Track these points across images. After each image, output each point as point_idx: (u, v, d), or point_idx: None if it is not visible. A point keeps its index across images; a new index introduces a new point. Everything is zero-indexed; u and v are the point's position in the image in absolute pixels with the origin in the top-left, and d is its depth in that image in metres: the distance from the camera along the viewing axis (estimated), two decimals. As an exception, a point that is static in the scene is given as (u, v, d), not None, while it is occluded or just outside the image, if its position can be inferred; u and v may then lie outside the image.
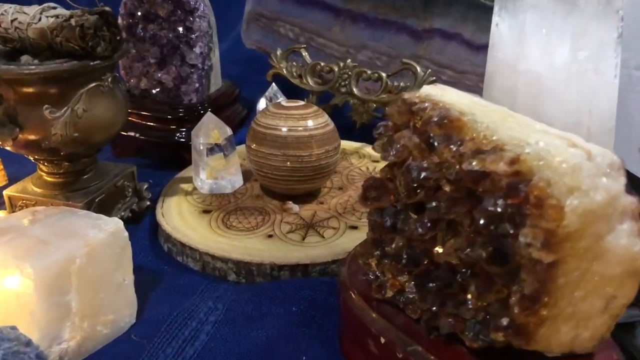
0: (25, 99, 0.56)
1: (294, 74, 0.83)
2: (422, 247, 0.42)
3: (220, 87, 0.90)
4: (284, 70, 0.83)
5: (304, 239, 0.61)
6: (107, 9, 0.55)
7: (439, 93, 0.43)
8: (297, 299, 0.54)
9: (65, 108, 0.56)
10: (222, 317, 0.54)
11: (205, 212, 0.67)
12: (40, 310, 0.47)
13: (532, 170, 0.35)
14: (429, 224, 0.41)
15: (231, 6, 1.06)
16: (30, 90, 0.55)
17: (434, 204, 0.40)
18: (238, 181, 0.71)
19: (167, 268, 0.62)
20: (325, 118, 0.67)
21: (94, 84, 0.58)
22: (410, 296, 0.43)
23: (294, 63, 0.83)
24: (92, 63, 0.56)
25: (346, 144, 0.81)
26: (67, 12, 0.57)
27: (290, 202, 0.66)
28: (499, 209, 0.35)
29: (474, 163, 0.36)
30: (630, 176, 0.38)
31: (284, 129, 0.64)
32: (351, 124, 0.84)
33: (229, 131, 0.69)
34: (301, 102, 0.67)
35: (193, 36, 0.80)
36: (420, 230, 0.41)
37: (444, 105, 0.41)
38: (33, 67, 0.54)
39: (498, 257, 0.36)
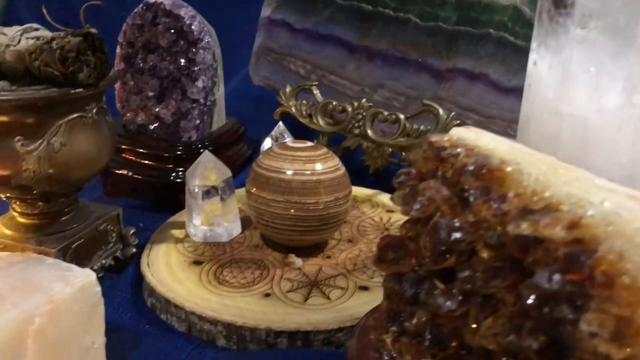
0: (-5, 128, 0.49)
1: (304, 112, 0.76)
2: (451, 325, 0.34)
3: (223, 125, 0.83)
4: (292, 108, 0.77)
5: (306, 299, 0.53)
6: (92, 30, 0.49)
7: (472, 136, 0.36)
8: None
9: (40, 141, 0.49)
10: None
11: (196, 263, 0.59)
12: (-14, 381, 0.39)
13: (598, 238, 0.27)
14: (460, 298, 0.33)
15: (242, 41, 1.01)
16: (2, 119, 0.49)
17: (467, 273, 0.32)
18: (236, 229, 0.64)
19: (149, 327, 0.54)
20: (335, 161, 0.59)
21: (75, 115, 0.51)
22: (434, 386, 0.35)
23: (304, 101, 0.77)
24: (73, 91, 0.49)
25: (358, 191, 0.74)
26: (49, 34, 0.51)
27: (293, 256, 0.59)
28: (554, 286, 0.27)
29: (523, 226, 0.28)
30: None
31: (289, 172, 0.57)
32: (364, 169, 0.77)
33: (227, 172, 0.62)
34: (309, 143, 0.60)
35: (196, 69, 0.74)
36: (448, 304, 0.33)
37: (481, 151, 0.33)
38: (6, 93, 0.48)
39: (553, 349, 0.28)
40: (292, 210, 0.57)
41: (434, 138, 0.35)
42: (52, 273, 0.45)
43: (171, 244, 0.62)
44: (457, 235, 0.32)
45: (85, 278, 0.45)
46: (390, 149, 0.74)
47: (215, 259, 0.59)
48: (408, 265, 0.36)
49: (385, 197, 0.74)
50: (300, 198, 0.56)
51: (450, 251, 0.33)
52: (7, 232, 0.56)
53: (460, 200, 0.32)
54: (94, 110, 0.53)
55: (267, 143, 0.71)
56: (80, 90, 0.50)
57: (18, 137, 0.49)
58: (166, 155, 0.76)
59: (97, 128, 0.54)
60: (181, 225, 0.66)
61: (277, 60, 0.86)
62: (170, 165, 0.77)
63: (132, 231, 0.63)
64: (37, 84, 0.50)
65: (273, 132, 0.71)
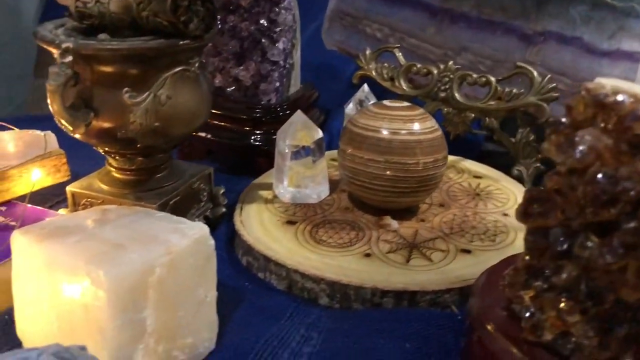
0: (102, 80, 0.48)
1: (385, 76, 0.74)
2: (606, 279, 0.33)
3: (298, 90, 0.82)
4: (373, 71, 0.75)
5: (408, 261, 0.52)
6: (204, -21, 0.48)
7: (625, 85, 0.34)
8: (409, 334, 0.45)
9: (147, 93, 0.49)
10: (319, 349, 0.45)
11: (290, 223, 0.58)
12: (111, 329, 0.39)
13: None
14: (621, 251, 0.31)
15: (309, 4, 0.98)
16: (109, 70, 0.48)
17: (632, 224, 0.31)
18: (324, 191, 0.63)
19: (248, 285, 0.53)
20: (433, 122, 0.58)
21: (180, 68, 0.50)
22: (584, 342, 0.33)
23: (385, 64, 0.75)
24: (181, 42, 0.49)
25: (440, 157, 0.72)
26: (155, -16, 0.50)
27: (389, 218, 0.57)
28: None
29: None
30: None
31: (388, 132, 0.55)
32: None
33: (319, 133, 0.61)
34: (406, 103, 0.59)
35: (277, 30, 0.72)
36: (608, 258, 0.31)
37: (646, 98, 0.32)
38: (115, 43, 0.47)
39: None
40: (389, 172, 0.55)
41: (591, 85, 0.33)
42: (166, 226, 0.45)
43: (261, 204, 0.62)
44: (626, 184, 0.30)
45: (199, 231, 0.44)
46: (472, 115, 0.72)
47: (308, 219, 0.59)
48: (555, 219, 0.35)
49: (468, 163, 0.72)
50: (400, 158, 0.55)
51: (614, 202, 0.31)
52: (104, 187, 0.56)
53: (631, 148, 0.31)
54: (197, 65, 0.52)
55: (351, 106, 0.69)
56: (188, 41, 0.49)
57: (126, 89, 0.48)
58: (244, 117, 0.75)
59: (198, 83, 0.53)
60: (267, 187, 0.65)
61: (351, 24, 0.84)
62: (248, 128, 0.76)
63: (221, 191, 0.63)
64: (138, 36, 0.49)
65: (357, 95, 0.69)
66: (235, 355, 0.44)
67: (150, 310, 0.41)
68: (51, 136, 0.64)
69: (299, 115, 0.60)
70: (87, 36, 0.51)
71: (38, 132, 0.65)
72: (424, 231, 0.57)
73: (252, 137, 0.75)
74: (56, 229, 0.43)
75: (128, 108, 0.48)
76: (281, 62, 0.74)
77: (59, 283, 0.41)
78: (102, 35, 0.51)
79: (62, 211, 0.57)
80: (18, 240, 0.43)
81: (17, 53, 1.26)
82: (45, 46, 0.49)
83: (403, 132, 0.55)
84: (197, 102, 0.53)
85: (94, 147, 0.55)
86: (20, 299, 0.44)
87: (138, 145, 0.51)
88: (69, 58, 0.45)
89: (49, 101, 0.46)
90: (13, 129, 0.65)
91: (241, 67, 0.75)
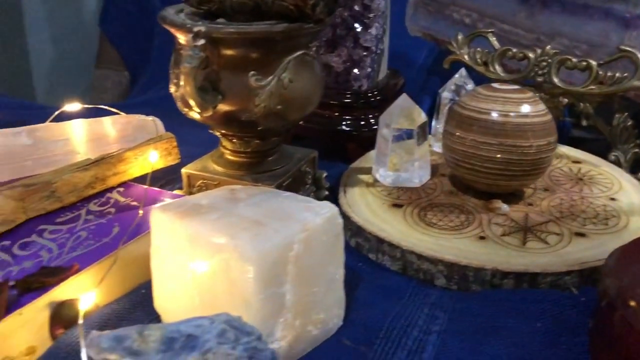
0: (229, 63, 0.50)
1: (478, 60, 0.74)
2: None
3: (385, 76, 0.82)
4: (465, 56, 0.75)
5: (524, 243, 0.52)
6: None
7: None
8: (540, 314, 0.45)
9: (272, 76, 0.50)
10: (447, 328, 0.45)
11: (396, 205, 0.59)
12: (257, 301, 0.40)
13: None
14: None
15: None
16: (236, 53, 0.49)
17: None
18: (426, 175, 0.63)
19: (362, 266, 0.54)
20: (543, 105, 0.57)
21: (301, 52, 0.51)
22: None
23: (478, 49, 0.74)
24: (307, 26, 0.49)
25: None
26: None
27: (499, 201, 0.57)
28: None
29: None
30: None
31: (500, 115, 0.55)
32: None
33: (424, 117, 0.61)
34: (515, 86, 0.59)
35: (370, 15, 0.73)
36: None
37: None
38: (244, 26, 0.48)
39: None
40: (499, 155, 0.55)
41: None
42: (297, 204, 0.46)
43: (363, 188, 0.62)
44: None
45: (330, 210, 0.45)
46: (565, 101, 0.71)
47: (413, 202, 0.59)
48: None
49: (565, 149, 0.72)
50: (514, 141, 0.55)
51: None
52: (219, 168, 0.57)
53: None
54: (314, 49, 0.53)
55: (447, 91, 0.69)
56: (312, 25, 0.50)
57: (252, 72, 0.49)
58: (334, 103, 0.76)
59: (315, 67, 0.54)
60: (365, 171, 0.65)
61: (437, 9, 0.84)
62: (337, 114, 0.76)
63: (324, 174, 0.64)
64: (256, 21, 0.50)
65: (455, 79, 0.69)
66: (366, 331, 0.45)
67: (289, 286, 0.42)
68: (158, 121, 0.66)
69: (403, 99, 0.61)
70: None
71: (144, 116, 0.66)
72: (535, 215, 0.57)
73: (342, 123, 0.76)
74: (193, 207, 0.45)
75: (253, 91, 0.49)
76: (373, 48, 0.75)
77: (203, 258, 0.42)
78: (219, 20, 0.52)
79: (177, 192, 0.59)
80: (158, 218, 0.45)
81: (79, 44, 1.29)
82: (173, 30, 0.50)
83: (516, 114, 0.55)
84: (313, 86, 0.54)
85: (210, 130, 0.57)
86: (159, 274, 0.46)
87: (259, 128, 0.52)
88: (201, 41, 0.47)
89: (182, 83, 0.48)
90: (120, 114, 0.67)
91: (333, 53, 0.75)
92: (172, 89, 0.53)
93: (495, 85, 0.58)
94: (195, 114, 0.52)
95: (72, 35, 1.27)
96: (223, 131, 0.55)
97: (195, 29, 0.47)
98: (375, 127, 0.75)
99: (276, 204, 0.46)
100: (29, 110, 0.92)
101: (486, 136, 0.55)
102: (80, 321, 0.40)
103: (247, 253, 0.40)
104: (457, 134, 0.57)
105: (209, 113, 0.50)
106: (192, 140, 0.68)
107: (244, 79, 0.49)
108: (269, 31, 0.48)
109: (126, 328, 0.33)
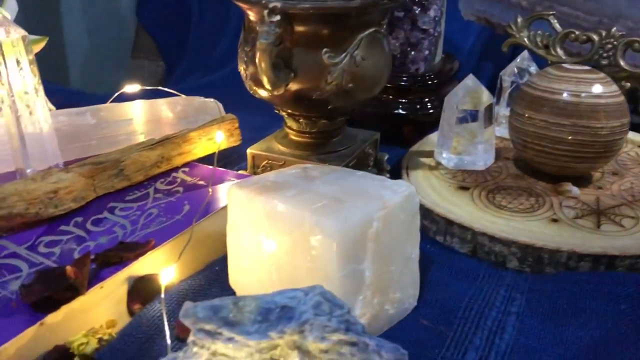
0: (301, 40, 0.49)
1: (539, 43, 0.72)
2: None
3: (441, 60, 0.81)
4: (525, 39, 0.73)
5: (598, 226, 0.51)
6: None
7: None
8: (624, 296, 0.44)
9: (345, 54, 0.49)
10: (525, 309, 0.44)
11: (463, 188, 0.58)
12: (338, 278, 0.40)
13: None
14: None
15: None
16: (309, 30, 0.49)
17: None
18: (490, 158, 0.62)
19: (431, 248, 0.54)
20: (615, 86, 0.56)
21: (373, 29, 0.51)
22: None
23: (539, 32, 0.73)
24: (382, 1, 0.49)
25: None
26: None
27: (570, 184, 0.56)
28: None
29: None
30: None
31: (573, 95, 0.54)
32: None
33: (490, 98, 0.60)
34: (586, 66, 0.57)
35: (429, -3, 0.72)
36: None
37: None
38: (319, 2, 0.48)
39: None
40: (570, 137, 0.54)
41: None
42: (372, 182, 0.45)
43: (426, 170, 0.62)
44: None
45: (407, 188, 0.44)
46: (628, 84, 0.69)
47: (480, 185, 0.58)
48: None
49: (630, 134, 0.70)
50: (587, 122, 0.53)
51: None
52: (284, 149, 0.57)
53: None
54: (384, 27, 0.52)
55: (508, 75, 0.68)
56: (386, 1, 0.49)
57: (325, 49, 0.48)
58: (389, 86, 0.75)
59: (384, 45, 0.53)
60: (426, 154, 0.65)
61: (493, -7, 0.83)
62: (391, 97, 0.75)
63: (386, 157, 0.63)
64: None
65: (517, 62, 0.68)
66: (443, 311, 0.44)
67: (368, 263, 0.41)
68: (219, 103, 0.66)
69: (470, 79, 0.60)
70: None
71: (204, 98, 0.66)
72: (606, 198, 0.55)
73: (397, 106, 0.75)
74: (269, 184, 0.45)
75: (326, 69, 0.49)
76: (431, 30, 0.73)
77: (282, 234, 0.42)
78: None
79: (241, 172, 0.59)
80: (235, 194, 0.44)
81: (115, 35, 1.30)
82: (247, 7, 0.50)
83: (588, 95, 0.54)
84: (383, 65, 0.53)
85: (276, 110, 0.56)
86: (235, 250, 0.45)
87: (328, 107, 0.52)
88: (277, 17, 0.46)
89: (257, 60, 0.47)
90: (180, 96, 0.67)
91: (390, 36, 0.74)
92: (241, 67, 0.53)
93: (566, 65, 0.57)
94: (264, 93, 0.51)
95: (108, 26, 1.28)
96: (290, 111, 0.55)
97: (271, 5, 0.47)
98: (432, 110, 0.75)
99: (352, 182, 0.45)
100: (82, 96, 0.92)
101: (558, 117, 0.54)
102: (162, 295, 0.40)
103: (330, 229, 0.39)
104: (527, 114, 0.56)
105: (280, 91, 0.49)
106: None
107: (317, 56, 0.49)
108: (344, 7, 0.48)
109: (221, 298, 0.33)
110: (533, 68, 0.67)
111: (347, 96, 0.51)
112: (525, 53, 0.68)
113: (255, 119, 0.75)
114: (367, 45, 0.50)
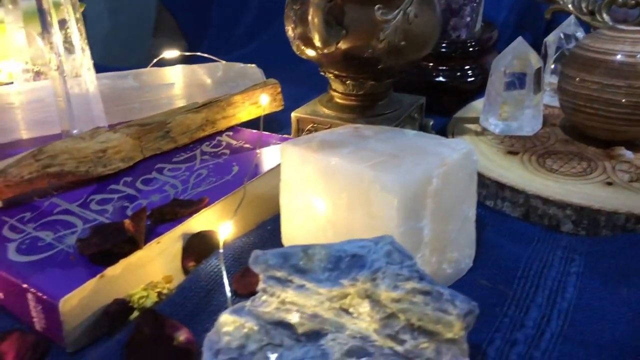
0: (355, -5, 0.48)
1: (584, 10, 0.71)
2: None
3: (480, 27, 0.79)
4: (569, 5, 0.72)
5: (655, 189, 0.50)
6: None
7: None
8: (688, 257, 0.43)
9: (398, 10, 0.48)
10: (584, 269, 0.44)
11: (511, 153, 0.57)
12: (398, 234, 0.39)
13: None
14: None
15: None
16: (360, -14, 0.48)
17: None
18: (538, 123, 0.61)
19: (482, 212, 0.53)
20: (672, 48, 0.54)
21: (425, -14, 0.49)
22: None
23: (583, -2, 0.71)
24: (438, -44, 0.48)
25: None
26: None
27: (623, 148, 0.55)
28: None
29: None
30: None
31: (628, 56, 0.52)
32: None
33: (540, 62, 0.58)
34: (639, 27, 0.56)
35: (471, -38, 0.70)
36: None
37: None
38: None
39: None
40: (624, 100, 0.53)
41: None
42: (428, 141, 0.44)
43: (472, 136, 0.61)
44: None
45: (465, 146, 0.43)
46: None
47: (529, 150, 0.57)
48: None
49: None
50: (644, 83, 0.52)
51: None
52: (329, 112, 0.56)
53: None
54: (436, -16, 0.51)
55: (552, 42, 0.66)
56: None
57: (378, 6, 0.47)
58: (430, 53, 0.73)
59: (435, 4, 0.52)
60: (470, 121, 0.64)
61: (534, -41, 0.81)
62: (431, 64, 0.74)
63: (431, 122, 0.62)
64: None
65: (563, 28, 0.66)
66: (500, 272, 0.44)
67: (427, 220, 0.41)
68: (259, 69, 0.66)
69: (519, 42, 0.58)
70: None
71: (244, 64, 0.66)
72: (660, 162, 0.54)
73: (437, 74, 0.74)
74: (323, 142, 0.44)
75: (378, 26, 0.48)
76: (473, -3, 0.72)
77: (339, 190, 0.41)
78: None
79: (286, 136, 0.58)
80: (289, 152, 0.44)
81: (136, 14, 1.29)
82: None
83: (644, 56, 0.53)
84: (434, 24, 0.52)
85: (322, 72, 0.55)
86: (289, 209, 0.45)
87: (378, 67, 0.51)
88: (330, -28, 0.45)
89: (309, 17, 0.46)
90: (220, 62, 0.66)
91: (431, 3, 0.73)
92: (289, 27, 0.52)
93: (621, 26, 0.55)
94: (312, 52, 0.50)
95: (129, 5, 1.27)
96: (337, 72, 0.54)
97: (323, -40, 0.46)
98: (472, 78, 0.74)
99: (407, 140, 0.44)
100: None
101: (613, 78, 0.53)
102: (221, 250, 0.40)
103: (390, 184, 0.38)
104: (579, 77, 0.55)
105: (332, 49, 0.49)
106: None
107: (369, 12, 0.48)
108: (398, -38, 0.46)
109: (290, 246, 0.33)
110: (580, 34, 0.66)
111: (398, 55, 0.50)
112: (572, 18, 0.67)
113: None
114: (419, 3, 0.49)
